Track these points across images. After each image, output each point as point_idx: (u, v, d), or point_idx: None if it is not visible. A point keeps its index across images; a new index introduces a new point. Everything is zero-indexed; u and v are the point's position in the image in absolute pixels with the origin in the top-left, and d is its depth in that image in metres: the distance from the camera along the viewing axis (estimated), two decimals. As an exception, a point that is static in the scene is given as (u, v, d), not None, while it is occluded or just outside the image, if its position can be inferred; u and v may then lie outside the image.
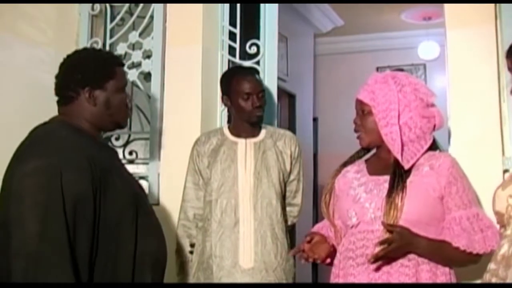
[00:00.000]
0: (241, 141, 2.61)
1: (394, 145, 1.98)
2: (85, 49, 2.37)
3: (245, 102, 2.57)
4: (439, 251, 1.94)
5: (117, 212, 1.85)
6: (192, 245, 2.62)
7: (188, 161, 2.68)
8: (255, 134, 2.64)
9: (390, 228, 1.87)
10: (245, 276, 2.45)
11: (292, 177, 2.66)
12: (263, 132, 2.66)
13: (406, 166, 1.97)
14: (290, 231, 2.68)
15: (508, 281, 1.61)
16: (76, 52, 2.11)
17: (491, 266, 1.70)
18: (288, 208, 2.69)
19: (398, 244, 1.87)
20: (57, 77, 2.01)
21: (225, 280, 2.45)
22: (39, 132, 1.92)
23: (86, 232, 1.76)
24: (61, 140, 1.85)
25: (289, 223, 2.70)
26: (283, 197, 2.62)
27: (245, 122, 2.62)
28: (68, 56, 2.04)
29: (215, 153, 2.60)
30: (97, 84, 1.97)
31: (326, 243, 2.12)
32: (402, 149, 1.98)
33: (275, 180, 2.55)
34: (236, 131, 2.64)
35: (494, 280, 1.65)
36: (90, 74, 1.96)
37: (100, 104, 1.98)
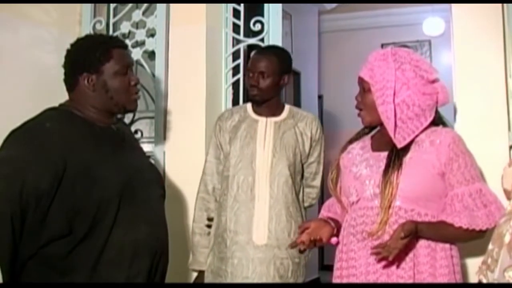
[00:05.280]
0: (262, 120, 2.62)
1: (388, 123, 1.97)
2: (86, 35, 2.37)
3: (247, 79, 2.60)
4: (439, 232, 1.93)
5: (94, 205, 1.85)
6: (209, 219, 2.64)
7: (211, 136, 2.70)
8: (276, 113, 2.64)
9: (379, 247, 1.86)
10: (258, 253, 2.47)
11: (312, 159, 2.66)
12: (285, 112, 2.66)
13: (399, 145, 1.97)
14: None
15: (500, 261, 1.60)
16: (77, 40, 2.12)
17: (489, 246, 1.69)
18: (306, 190, 2.69)
19: (394, 242, 1.84)
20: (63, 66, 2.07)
21: (239, 255, 2.48)
22: (32, 121, 1.94)
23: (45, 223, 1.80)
24: (41, 132, 1.87)
25: (307, 204, 2.71)
26: (300, 177, 2.63)
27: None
28: (71, 45, 2.07)
29: (236, 129, 2.62)
30: (92, 69, 1.99)
31: (327, 226, 2.12)
32: (395, 128, 1.97)
33: (292, 160, 2.56)
34: (258, 109, 2.64)
35: (489, 261, 1.64)
36: (84, 60, 1.99)
37: (99, 89, 2.00)
